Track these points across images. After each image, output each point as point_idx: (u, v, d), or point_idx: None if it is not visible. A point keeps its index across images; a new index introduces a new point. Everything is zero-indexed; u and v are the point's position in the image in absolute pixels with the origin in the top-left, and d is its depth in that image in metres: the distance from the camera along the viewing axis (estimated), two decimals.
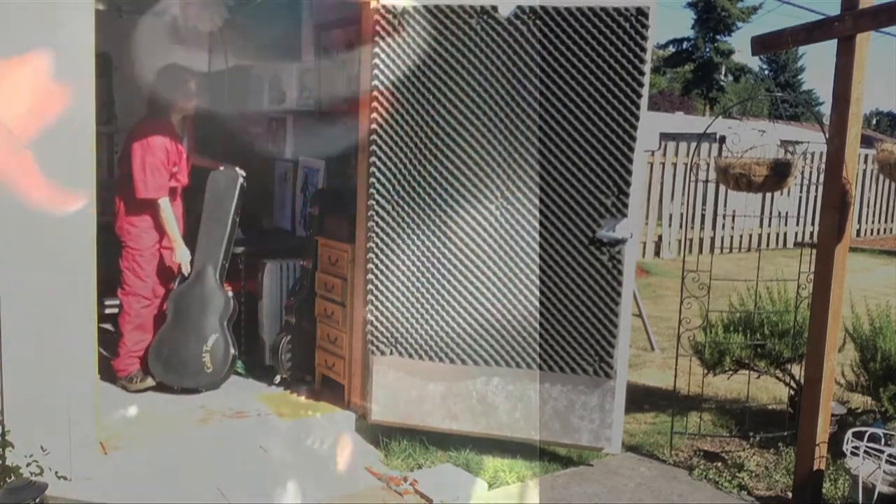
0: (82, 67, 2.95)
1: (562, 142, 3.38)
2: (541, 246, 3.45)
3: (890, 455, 3.02)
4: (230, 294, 4.17)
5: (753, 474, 3.56)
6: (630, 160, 3.35)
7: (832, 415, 3.43)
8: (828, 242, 3.15)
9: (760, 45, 3.42)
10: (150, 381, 4.07)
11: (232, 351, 4.12)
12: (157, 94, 4.11)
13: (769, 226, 11.56)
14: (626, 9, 3.28)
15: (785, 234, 11.81)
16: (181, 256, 4.07)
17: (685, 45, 35.17)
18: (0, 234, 2.84)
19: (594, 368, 3.45)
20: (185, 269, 4.09)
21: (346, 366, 3.95)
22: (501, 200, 3.48)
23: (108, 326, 4.94)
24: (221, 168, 4.27)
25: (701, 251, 10.39)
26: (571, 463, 3.63)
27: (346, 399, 3.98)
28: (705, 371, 4.09)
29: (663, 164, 10.05)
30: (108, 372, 4.02)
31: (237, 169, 4.27)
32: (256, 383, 4.30)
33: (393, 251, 3.59)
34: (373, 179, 3.58)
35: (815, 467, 3.22)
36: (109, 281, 3.94)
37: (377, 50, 3.53)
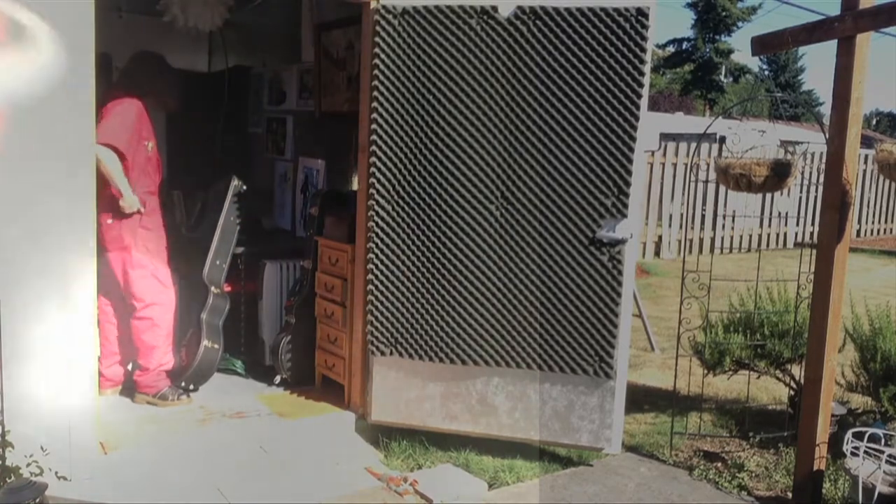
0: (82, 67, 2.95)
1: (562, 142, 3.38)
2: (541, 246, 3.45)
3: (890, 455, 3.02)
4: (215, 291, 4.12)
5: (753, 474, 3.56)
6: (630, 160, 3.35)
7: (832, 415, 3.43)
8: (828, 242, 3.15)
9: (760, 45, 3.42)
10: (186, 399, 3.94)
11: (205, 343, 4.02)
12: (132, 75, 3.92)
13: (769, 226, 11.56)
14: (626, 9, 3.28)
15: (785, 234, 11.81)
16: (130, 202, 3.69)
17: (685, 45, 35.20)
18: (0, 234, 2.84)
19: (594, 369, 3.45)
20: (133, 209, 3.71)
21: (346, 366, 3.95)
22: (501, 200, 3.48)
23: None
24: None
25: (701, 251, 10.39)
26: (571, 463, 3.63)
27: (346, 399, 3.98)
28: (705, 371, 4.09)
29: (663, 164, 10.04)
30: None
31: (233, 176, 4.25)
32: (256, 383, 4.30)
33: (393, 251, 3.59)
34: (373, 179, 3.58)
35: (815, 467, 3.22)
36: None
37: (377, 50, 3.53)
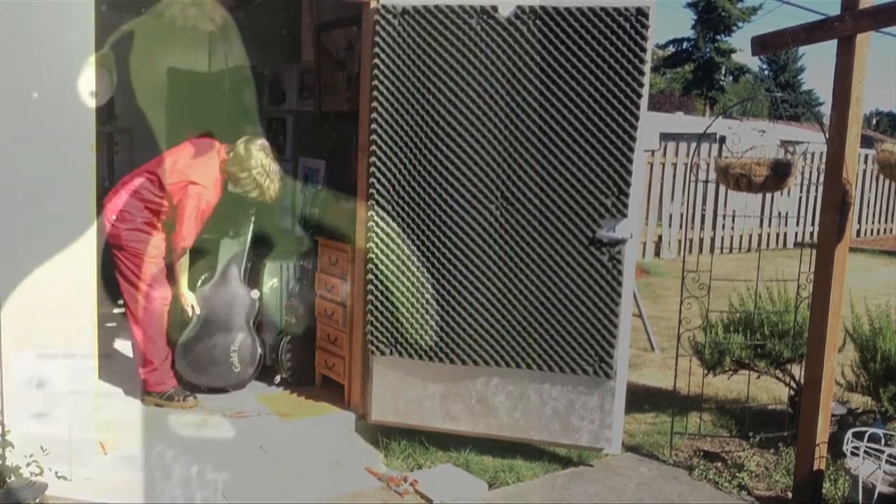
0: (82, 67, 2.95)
1: (562, 142, 3.38)
2: (541, 246, 3.45)
3: (890, 455, 3.02)
4: (254, 294, 4.17)
5: (753, 474, 3.56)
6: (630, 160, 3.35)
7: (832, 415, 3.43)
8: (828, 242, 3.15)
9: (761, 45, 3.42)
10: (193, 401, 3.93)
11: (259, 350, 4.12)
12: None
13: (769, 226, 11.55)
14: (626, 9, 3.28)
15: (785, 234, 11.80)
16: (188, 303, 3.99)
17: (685, 45, 35.19)
18: (0, 234, 2.84)
19: (594, 368, 3.45)
20: (192, 311, 4.00)
21: (346, 366, 3.95)
22: (501, 200, 3.48)
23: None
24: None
25: (701, 251, 10.38)
26: (571, 463, 3.63)
27: (346, 399, 3.98)
28: (705, 371, 4.08)
29: (663, 164, 10.04)
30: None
31: None
32: (256, 383, 4.29)
33: (393, 251, 3.59)
34: (373, 179, 3.58)
35: (815, 467, 3.22)
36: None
37: (377, 50, 3.53)
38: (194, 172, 3.83)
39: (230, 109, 5.50)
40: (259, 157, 3.89)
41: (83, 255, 3.02)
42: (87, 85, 2.95)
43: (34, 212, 2.90)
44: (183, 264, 3.93)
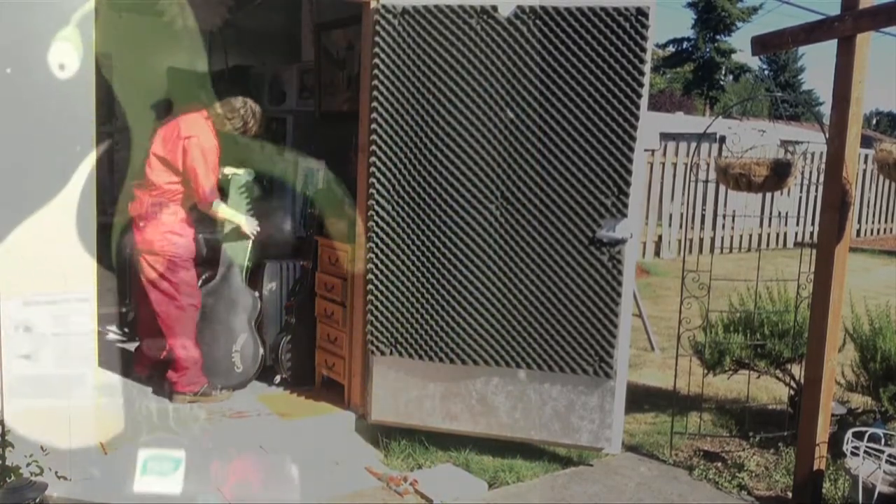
0: (83, 67, 2.95)
1: (562, 142, 3.38)
2: (541, 246, 3.45)
3: (890, 455, 3.02)
4: (256, 294, 4.18)
5: (753, 474, 3.56)
6: (630, 160, 3.35)
7: (832, 415, 3.43)
8: (828, 242, 3.15)
9: (760, 45, 3.42)
10: (227, 393, 3.99)
11: (261, 351, 4.15)
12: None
13: (769, 226, 11.56)
14: (626, 9, 3.28)
15: (785, 234, 11.81)
16: (252, 227, 4.11)
17: (685, 45, 35.23)
18: (0, 232, 2.84)
19: (594, 368, 3.45)
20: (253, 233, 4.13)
21: (346, 366, 3.95)
22: (501, 200, 3.48)
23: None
24: (240, 171, 4.23)
25: (701, 251, 10.38)
26: (571, 463, 3.63)
27: (346, 399, 3.98)
28: (705, 371, 4.09)
29: (663, 164, 10.04)
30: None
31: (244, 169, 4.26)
32: (256, 383, 4.30)
33: (393, 251, 3.59)
34: (373, 179, 3.58)
35: (815, 467, 3.22)
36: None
37: (377, 50, 3.53)
38: (182, 130, 3.87)
39: None
40: (244, 98, 4.08)
41: (84, 254, 3.01)
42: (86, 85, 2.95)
43: (35, 211, 2.89)
44: (222, 208, 3.98)
